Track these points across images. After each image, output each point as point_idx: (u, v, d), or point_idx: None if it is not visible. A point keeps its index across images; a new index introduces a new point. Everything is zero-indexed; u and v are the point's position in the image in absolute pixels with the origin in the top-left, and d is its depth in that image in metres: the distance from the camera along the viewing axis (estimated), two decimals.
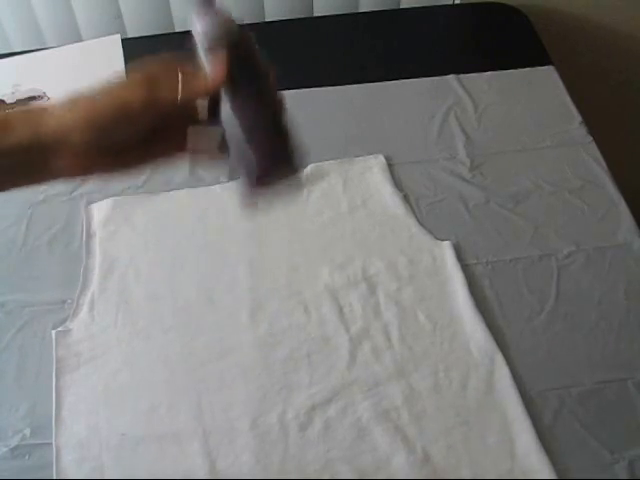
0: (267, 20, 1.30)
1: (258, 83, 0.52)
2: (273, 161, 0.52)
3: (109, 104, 0.46)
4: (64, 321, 0.85)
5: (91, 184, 0.99)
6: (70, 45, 1.24)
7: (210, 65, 0.50)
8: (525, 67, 1.15)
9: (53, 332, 0.84)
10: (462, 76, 1.14)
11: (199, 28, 0.52)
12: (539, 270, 0.88)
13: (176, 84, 0.47)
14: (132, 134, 0.47)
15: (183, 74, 0.48)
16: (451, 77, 1.14)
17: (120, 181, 0.99)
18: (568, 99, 1.10)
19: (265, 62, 0.53)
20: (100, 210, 0.97)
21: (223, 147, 0.52)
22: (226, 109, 0.51)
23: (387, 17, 1.27)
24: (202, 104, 0.49)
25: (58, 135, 0.46)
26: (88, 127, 0.46)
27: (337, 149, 1.03)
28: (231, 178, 0.54)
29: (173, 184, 0.99)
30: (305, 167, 0.53)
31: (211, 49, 0.51)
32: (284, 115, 0.53)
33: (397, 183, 0.98)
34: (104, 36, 1.25)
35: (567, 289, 0.86)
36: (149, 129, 0.48)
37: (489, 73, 1.15)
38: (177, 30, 1.29)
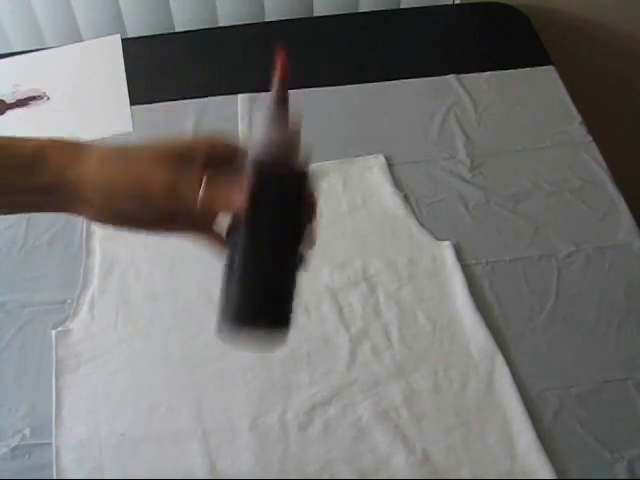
0: (267, 20, 1.30)
1: (280, 231, 0.47)
2: (257, 312, 0.47)
3: (130, 181, 0.45)
4: (64, 321, 0.85)
5: None
6: (70, 45, 1.24)
7: (240, 182, 0.45)
8: (525, 67, 1.15)
9: (53, 332, 0.84)
10: (462, 76, 1.14)
11: (258, 136, 0.47)
12: (539, 270, 0.88)
13: (197, 189, 0.45)
14: (145, 216, 0.47)
15: (207, 181, 0.45)
16: (451, 77, 1.14)
17: None
18: (568, 99, 1.10)
19: (308, 212, 0.48)
20: None
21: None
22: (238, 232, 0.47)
23: (387, 17, 1.27)
24: (221, 223, 0.47)
25: (78, 188, 0.45)
26: (105, 193, 0.45)
27: (337, 149, 1.03)
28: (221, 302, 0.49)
29: None
30: (288, 332, 0.47)
31: (254, 165, 0.46)
32: (293, 276, 0.47)
33: (397, 183, 0.98)
34: (104, 36, 1.25)
35: (567, 289, 0.86)
36: (162, 217, 0.47)
37: (489, 73, 1.15)
38: (177, 30, 1.29)
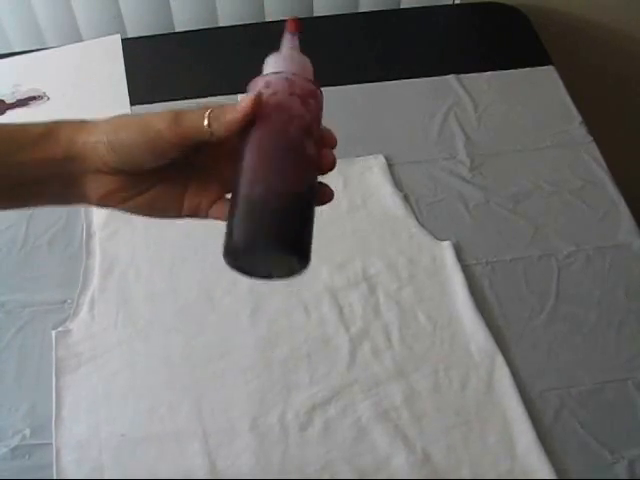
0: (267, 20, 1.30)
1: (293, 142, 0.44)
2: (251, 240, 0.43)
3: (136, 126, 0.46)
4: (64, 321, 0.85)
5: None
6: (70, 45, 1.24)
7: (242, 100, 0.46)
8: (525, 67, 1.15)
9: (53, 332, 0.83)
10: (462, 76, 1.14)
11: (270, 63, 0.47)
12: (539, 270, 0.88)
13: (203, 117, 0.45)
14: (153, 162, 0.46)
15: (211, 110, 0.46)
16: (451, 77, 1.14)
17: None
18: (568, 99, 1.10)
19: (324, 132, 0.46)
20: (100, 210, 0.96)
21: None
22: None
23: (387, 17, 1.27)
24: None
25: (86, 154, 0.46)
26: (112, 141, 0.45)
27: (337, 149, 1.02)
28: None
29: None
30: (304, 270, 0.43)
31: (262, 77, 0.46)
32: (310, 201, 0.43)
33: (397, 183, 0.98)
34: (104, 36, 1.25)
35: (567, 289, 0.86)
36: (171, 157, 0.46)
37: (489, 73, 1.15)
38: (177, 30, 1.29)
